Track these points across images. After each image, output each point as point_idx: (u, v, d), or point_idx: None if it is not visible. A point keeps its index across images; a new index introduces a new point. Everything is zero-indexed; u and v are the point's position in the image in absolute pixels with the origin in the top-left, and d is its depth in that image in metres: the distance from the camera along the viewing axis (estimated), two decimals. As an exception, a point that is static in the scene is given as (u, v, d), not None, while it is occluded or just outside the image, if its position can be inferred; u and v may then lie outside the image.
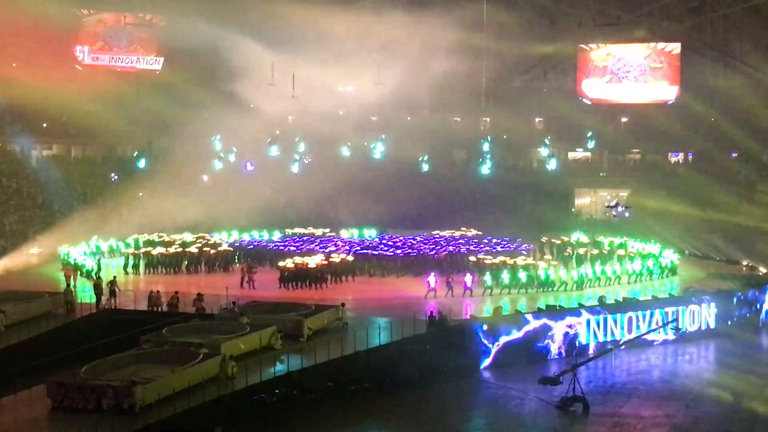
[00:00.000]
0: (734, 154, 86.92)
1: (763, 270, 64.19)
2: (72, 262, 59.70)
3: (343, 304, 46.90)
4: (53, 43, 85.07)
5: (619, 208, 79.02)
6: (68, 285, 52.89)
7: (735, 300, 55.52)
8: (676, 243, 68.69)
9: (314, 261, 58.97)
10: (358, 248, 66.22)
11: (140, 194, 76.92)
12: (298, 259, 59.37)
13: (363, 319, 46.65)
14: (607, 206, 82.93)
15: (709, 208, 75.22)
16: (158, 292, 49.21)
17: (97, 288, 50.57)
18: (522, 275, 55.53)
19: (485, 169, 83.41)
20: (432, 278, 53.71)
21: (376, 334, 42.11)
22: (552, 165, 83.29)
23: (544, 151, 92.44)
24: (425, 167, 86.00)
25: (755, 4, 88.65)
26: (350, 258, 61.33)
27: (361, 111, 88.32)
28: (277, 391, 36.91)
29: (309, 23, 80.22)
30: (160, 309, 48.42)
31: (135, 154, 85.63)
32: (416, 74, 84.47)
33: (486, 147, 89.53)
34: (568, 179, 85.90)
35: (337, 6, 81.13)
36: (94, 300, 50.10)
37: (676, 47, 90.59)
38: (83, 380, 34.40)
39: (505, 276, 55.34)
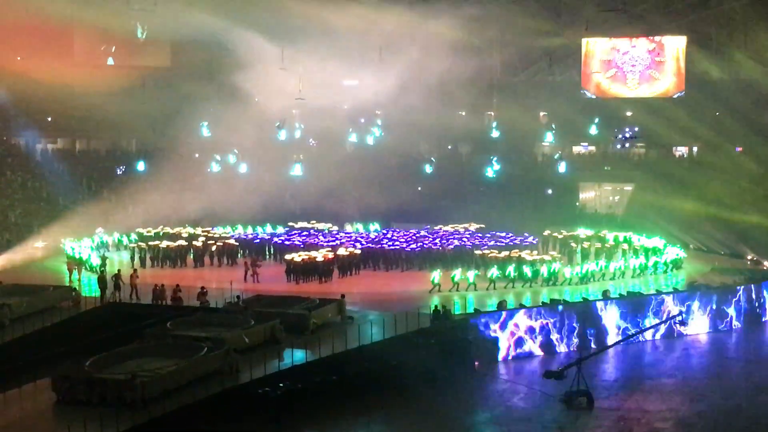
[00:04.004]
0: (739, 149, 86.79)
1: (765, 263, 64.17)
2: (76, 256, 59.78)
3: (342, 296, 46.91)
4: (57, 36, 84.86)
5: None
6: (70, 278, 52.96)
7: (739, 294, 55.51)
8: (680, 237, 68.65)
9: (321, 254, 59.02)
10: (364, 242, 66.28)
11: (145, 188, 76.89)
12: (304, 253, 59.42)
13: (368, 312, 46.72)
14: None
15: (714, 202, 75.13)
16: (163, 285, 49.28)
17: (102, 281, 50.63)
18: (527, 269, 55.54)
19: (491, 171, 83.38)
20: (436, 273, 53.76)
21: (380, 328, 42.15)
22: (562, 168, 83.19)
23: (548, 146, 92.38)
24: (430, 161, 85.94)
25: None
26: (357, 252, 61.38)
27: (365, 105, 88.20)
28: (281, 384, 36.92)
29: (313, 17, 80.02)
30: (164, 302, 48.49)
31: (138, 151, 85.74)
32: (420, 68, 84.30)
33: (491, 142, 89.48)
34: (572, 173, 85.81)
35: (341, 1, 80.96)
36: (98, 293, 50.18)
37: (681, 41, 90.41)
38: (88, 373, 34.48)
39: (511, 270, 55.36)
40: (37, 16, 77.91)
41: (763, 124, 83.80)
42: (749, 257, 67.54)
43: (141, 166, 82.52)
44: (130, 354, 37.65)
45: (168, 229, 69.82)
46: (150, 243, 65.14)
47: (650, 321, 50.96)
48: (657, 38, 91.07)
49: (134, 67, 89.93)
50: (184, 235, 68.13)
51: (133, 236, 68.00)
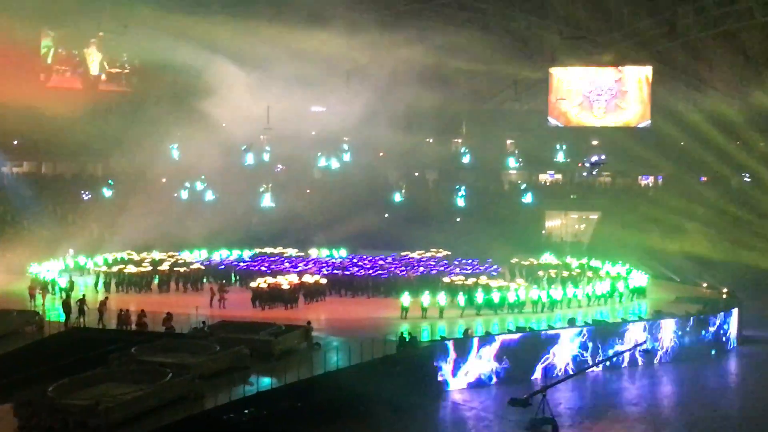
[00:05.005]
0: (704, 178, 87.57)
1: (727, 292, 64.68)
2: (41, 279, 59.34)
3: (309, 322, 46.86)
4: (22, 60, 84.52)
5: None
6: (33, 302, 52.59)
7: (702, 323, 55.89)
8: (644, 266, 69.06)
9: (287, 281, 58.87)
10: (329, 268, 66.22)
11: (111, 213, 76.60)
12: (270, 279, 59.28)
13: (334, 339, 46.64)
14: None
15: (678, 231, 75.71)
16: (128, 310, 48.96)
17: (66, 306, 50.26)
18: (495, 296, 55.62)
19: (461, 201, 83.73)
20: (405, 298, 53.77)
21: (346, 354, 42.06)
22: (528, 198, 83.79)
23: (515, 174, 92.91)
24: (399, 189, 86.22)
25: (725, 30, 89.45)
26: (323, 279, 61.31)
27: (333, 131, 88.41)
28: (246, 411, 36.74)
29: (280, 43, 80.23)
30: (129, 328, 48.18)
31: (104, 175, 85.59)
32: (388, 95, 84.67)
33: (458, 169, 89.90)
34: (538, 201, 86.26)
35: (309, 27, 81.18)
36: (62, 318, 49.80)
37: (647, 71, 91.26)
38: (51, 399, 34.14)
39: (478, 297, 55.42)
40: (4, 40, 77.54)
41: (728, 154, 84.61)
42: (711, 286, 68.00)
43: (107, 190, 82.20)
44: (94, 380, 37.27)
45: (133, 254, 69.46)
46: (115, 268, 64.73)
47: (615, 349, 51.17)
48: (623, 68, 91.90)
49: (101, 91, 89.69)
50: (149, 260, 67.77)
51: (99, 261, 67.62)
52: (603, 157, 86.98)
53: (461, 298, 55.27)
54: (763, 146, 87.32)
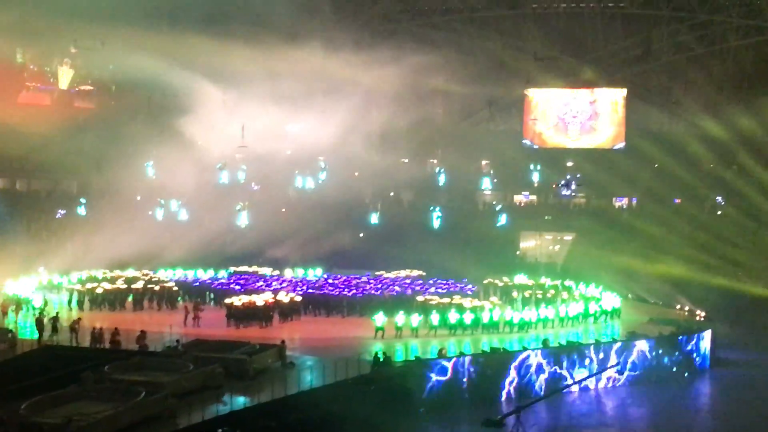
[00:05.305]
0: (677, 200, 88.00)
1: (700, 313, 64.94)
2: (14, 297, 59.03)
3: (283, 341, 46.79)
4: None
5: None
6: (3, 320, 52.36)
7: (676, 344, 56.14)
8: (618, 287, 69.30)
9: (262, 299, 58.79)
10: (305, 287, 66.17)
11: (85, 230, 76.33)
12: (245, 297, 59.17)
13: (308, 358, 46.58)
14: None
15: (651, 252, 76.02)
16: (101, 328, 48.75)
17: (39, 324, 50.01)
18: (468, 317, 55.66)
19: (437, 222, 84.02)
20: (379, 318, 53.75)
21: (321, 373, 42.01)
22: (502, 220, 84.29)
23: (490, 194, 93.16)
24: (375, 208, 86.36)
25: (698, 53, 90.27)
26: (298, 298, 61.25)
27: (309, 150, 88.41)
28: (220, 430, 36.60)
29: (256, 61, 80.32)
30: (102, 346, 47.96)
31: (79, 192, 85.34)
32: (364, 115, 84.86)
33: (434, 189, 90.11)
34: (513, 222, 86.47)
35: (286, 46, 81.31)
36: (35, 336, 49.54)
37: (621, 93, 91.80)
38: (23, 417, 33.95)
39: (452, 317, 55.44)
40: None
41: (702, 175, 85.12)
42: (684, 308, 68.32)
43: (81, 208, 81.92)
44: (67, 398, 37.09)
45: (107, 272, 69.19)
46: (89, 285, 64.45)
47: (588, 369, 51.31)
48: (598, 90, 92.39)
49: (76, 108, 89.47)
50: (124, 278, 67.53)
51: (73, 278, 67.31)
52: (579, 176, 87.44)
53: (435, 318, 55.26)
54: (736, 168, 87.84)
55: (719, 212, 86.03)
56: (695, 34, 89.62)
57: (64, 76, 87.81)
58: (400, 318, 54.16)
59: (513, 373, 48.83)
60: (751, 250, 77.66)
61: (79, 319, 51.53)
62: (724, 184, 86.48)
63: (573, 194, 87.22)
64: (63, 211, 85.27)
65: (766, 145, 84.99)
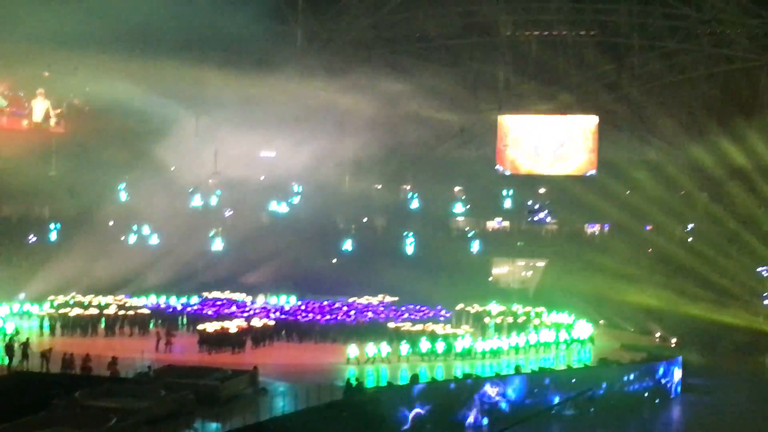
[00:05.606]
0: (649, 227, 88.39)
1: (672, 340, 65.24)
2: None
3: (255, 367, 46.72)
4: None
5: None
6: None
7: (647, 371, 56.36)
8: (590, 313, 69.51)
9: (235, 325, 58.70)
10: (277, 314, 66.11)
11: (57, 256, 76.02)
12: (217, 324, 59.04)
13: (281, 384, 46.53)
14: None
15: (623, 279, 76.28)
16: (72, 354, 48.53)
17: (9, 350, 49.72)
18: (440, 344, 55.71)
19: (410, 248, 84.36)
20: (352, 350, 53.77)
21: (293, 399, 42.00)
22: (475, 247, 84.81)
23: (462, 220, 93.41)
24: (350, 235, 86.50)
25: (669, 81, 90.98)
26: (271, 323, 61.18)
27: (282, 176, 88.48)
28: (192, 456, 36.58)
29: (229, 87, 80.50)
30: (73, 371, 47.72)
31: (51, 218, 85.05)
32: (337, 141, 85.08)
33: (407, 215, 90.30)
34: (485, 248, 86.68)
35: (260, 73, 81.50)
36: (5, 362, 49.25)
37: (593, 120, 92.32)
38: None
39: (424, 344, 55.47)
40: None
41: (672, 203, 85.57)
42: (657, 334, 68.62)
43: (53, 233, 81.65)
44: (37, 424, 36.90)
45: (79, 297, 68.89)
46: (60, 311, 64.13)
47: (559, 395, 51.43)
48: (570, 117, 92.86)
49: (47, 132, 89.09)
50: (96, 303, 67.25)
51: (45, 305, 66.95)
52: (548, 202, 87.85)
53: (404, 348, 55.23)
54: (705, 197, 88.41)
55: (690, 239, 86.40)
56: (666, 62, 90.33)
57: (38, 108, 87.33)
58: (370, 348, 54.11)
59: (480, 401, 48.89)
60: (724, 277, 78.01)
61: (50, 349, 51.08)
62: (696, 211, 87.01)
63: (542, 220, 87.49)
64: (34, 237, 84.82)
65: (738, 172, 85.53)
